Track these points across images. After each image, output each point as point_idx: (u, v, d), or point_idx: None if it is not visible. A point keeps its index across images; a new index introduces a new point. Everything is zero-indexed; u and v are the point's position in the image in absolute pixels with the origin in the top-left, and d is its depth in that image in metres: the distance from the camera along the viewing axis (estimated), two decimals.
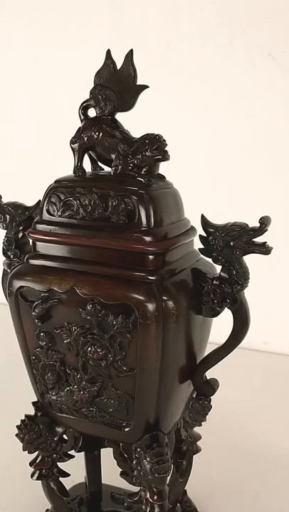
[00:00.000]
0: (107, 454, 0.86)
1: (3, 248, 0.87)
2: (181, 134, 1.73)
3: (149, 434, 0.75)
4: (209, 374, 0.84)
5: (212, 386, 0.83)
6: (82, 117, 0.79)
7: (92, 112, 0.79)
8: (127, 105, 0.76)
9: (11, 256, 0.87)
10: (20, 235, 0.86)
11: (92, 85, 0.78)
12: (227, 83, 1.68)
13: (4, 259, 0.87)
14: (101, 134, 0.76)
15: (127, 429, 0.76)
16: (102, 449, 0.97)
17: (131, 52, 0.74)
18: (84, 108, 0.79)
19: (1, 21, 1.99)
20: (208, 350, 0.83)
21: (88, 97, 0.78)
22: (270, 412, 1.39)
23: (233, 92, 1.68)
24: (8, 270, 0.86)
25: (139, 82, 0.76)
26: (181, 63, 1.72)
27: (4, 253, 0.87)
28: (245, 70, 1.66)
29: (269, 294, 1.72)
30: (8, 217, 0.87)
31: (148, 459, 0.74)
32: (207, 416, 0.87)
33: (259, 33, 1.62)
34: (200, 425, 0.89)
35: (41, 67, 1.94)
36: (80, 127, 0.78)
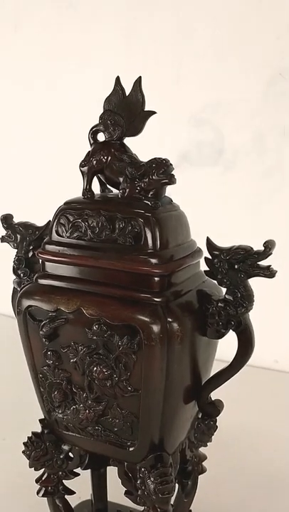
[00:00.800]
0: (113, 472, 0.87)
1: (13, 267, 0.89)
2: (190, 155, 1.76)
3: (153, 454, 0.75)
4: (219, 391, 0.83)
5: (217, 407, 0.84)
6: (92, 141, 0.81)
7: (101, 137, 0.81)
8: (136, 130, 0.78)
9: (21, 274, 0.89)
10: (30, 254, 0.88)
11: (102, 110, 0.80)
12: (237, 103, 1.70)
13: (14, 277, 0.89)
14: (109, 157, 0.78)
15: (131, 449, 0.77)
16: (108, 467, 0.98)
17: (139, 79, 0.76)
18: (93, 133, 0.81)
19: (14, 42, 2.04)
20: (215, 367, 0.83)
21: (98, 122, 0.80)
22: (279, 432, 1.38)
23: (244, 111, 1.70)
24: (18, 288, 0.87)
25: (149, 104, 0.77)
26: (193, 82, 1.74)
27: (14, 271, 0.89)
28: (256, 89, 1.67)
29: (280, 312, 1.72)
30: (19, 236, 0.89)
31: (152, 479, 0.74)
32: (213, 436, 0.88)
33: (270, 53, 1.64)
34: (205, 445, 0.89)
35: (53, 89, 1.98)
36: (89, 151, 0.80)
